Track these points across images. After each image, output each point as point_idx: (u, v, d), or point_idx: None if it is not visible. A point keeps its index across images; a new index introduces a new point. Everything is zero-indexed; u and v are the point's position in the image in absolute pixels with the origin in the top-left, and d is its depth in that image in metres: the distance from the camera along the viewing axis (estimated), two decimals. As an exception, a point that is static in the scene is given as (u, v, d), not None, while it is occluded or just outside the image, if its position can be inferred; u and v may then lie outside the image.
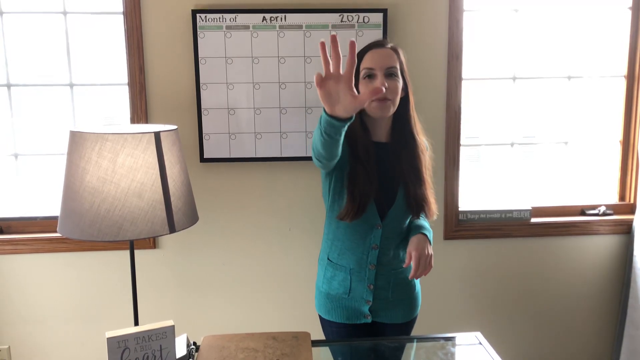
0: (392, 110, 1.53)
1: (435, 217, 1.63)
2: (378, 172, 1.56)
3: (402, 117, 1.59)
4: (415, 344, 1.62)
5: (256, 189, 2.19)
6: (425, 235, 1.58)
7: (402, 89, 1.56)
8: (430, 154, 1.67)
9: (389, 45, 1.56)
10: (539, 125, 2.37)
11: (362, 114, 1.56)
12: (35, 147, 2.20)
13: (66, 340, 2.25)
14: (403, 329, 1.70)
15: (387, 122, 1.59)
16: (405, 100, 1.58)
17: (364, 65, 1.54)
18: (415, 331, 1.74)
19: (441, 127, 2.21)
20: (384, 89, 1.14)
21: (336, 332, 1.68)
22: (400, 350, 1.63)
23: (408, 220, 1.64)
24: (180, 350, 1.36)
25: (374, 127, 1.58)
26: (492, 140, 2.36)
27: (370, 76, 1.52)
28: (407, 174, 1.58)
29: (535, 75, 2.32)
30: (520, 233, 2.31)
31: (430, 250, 1.55)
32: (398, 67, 1.54)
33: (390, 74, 1.51)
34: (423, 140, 1.64)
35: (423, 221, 1.66)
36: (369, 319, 1.65)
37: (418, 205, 1.58)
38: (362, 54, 1.55)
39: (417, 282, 1.74)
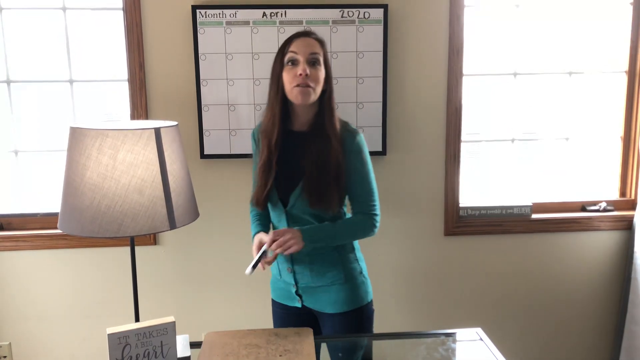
0: (313, 97, 1.55)
1: (333, 212, 1.59)
2: (285, 159, 1.60)
3: (322, 108, 1.60)
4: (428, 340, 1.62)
5: (257, 185, 2.19)
6: (300, 230, 1.54)
7: (325, 81, 1.57)
8: (359, 152, 1.60)
9: (314, 36, 1.59)
10: (540, 121, 2.37)
11: (287, 102, 1.58)
12: (35, 144, 2.19)
13: (67, 337, 2.25)
14: (344, 321, 1.64)
15: (308, 111, 1.60)
16: (326, 92, 1.59)
17: (288, 49, 1.55)
18: (416, 327, 1.74)
19: (442, 123, 2.20)
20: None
21: (276, 312, 1.76)
22: (401, 345, 1.63)
23: (326, 212, 1.59)
24: (184, 351, 1.36)
25: (296, 115, 1.60)
26: (493, 136, 2.36)
27: (293, 62, 1.54)
28: (313, 164, 1.56)
29: (536, 71, 2.31)
30: (520, 229, 2.31)
31: (286, 238, 1.51)
32: (321, 56, 1.56)
33: (313, 61, 1.53)
34: (350, 135, 1.60)
35: (344, 220, 1.63)
36: (299, 304, 1.69)
37: (315, 196, 1.56)
38: (287, 44, 1.57)
39: (349, 272, 1.65)
